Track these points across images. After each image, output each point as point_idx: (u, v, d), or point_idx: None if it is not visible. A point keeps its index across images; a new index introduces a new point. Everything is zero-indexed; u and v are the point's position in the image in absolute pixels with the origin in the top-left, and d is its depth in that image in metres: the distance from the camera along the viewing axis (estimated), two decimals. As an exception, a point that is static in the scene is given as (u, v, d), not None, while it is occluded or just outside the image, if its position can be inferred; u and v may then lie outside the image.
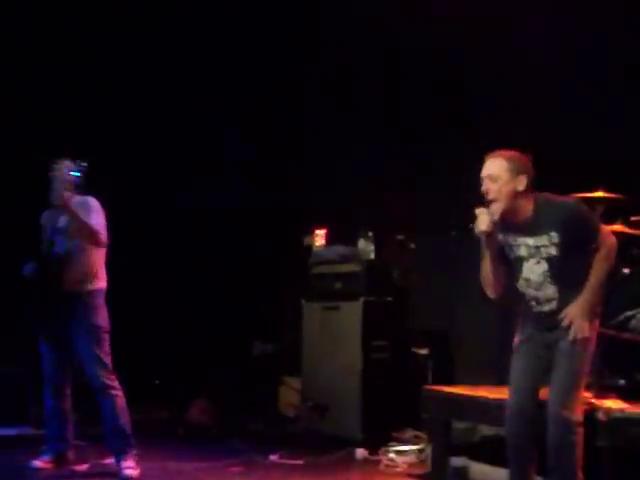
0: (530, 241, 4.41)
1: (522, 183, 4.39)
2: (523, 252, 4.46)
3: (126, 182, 8.35)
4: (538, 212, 4.40)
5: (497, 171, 4.40)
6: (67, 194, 5.40)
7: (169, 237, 9.09)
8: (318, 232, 8.33)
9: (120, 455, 5.57)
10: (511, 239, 4.50)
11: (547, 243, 4.37)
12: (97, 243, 5.57)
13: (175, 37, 8.79)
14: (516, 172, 4.38)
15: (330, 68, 8.64)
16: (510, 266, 4.56)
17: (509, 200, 4.39)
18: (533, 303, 4.52)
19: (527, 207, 4.42)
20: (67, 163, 5.59)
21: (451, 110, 7.49)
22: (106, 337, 5.64)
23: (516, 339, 4.65)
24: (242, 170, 9.18)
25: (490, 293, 4.59)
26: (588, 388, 5.25)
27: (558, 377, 4.39)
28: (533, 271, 4.45)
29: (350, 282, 7.44)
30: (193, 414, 8.08)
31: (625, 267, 5.52)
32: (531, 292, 4.50)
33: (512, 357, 4.64)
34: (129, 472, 5.50)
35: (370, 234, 7.60)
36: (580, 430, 4.33)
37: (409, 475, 6.04)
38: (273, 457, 6.51)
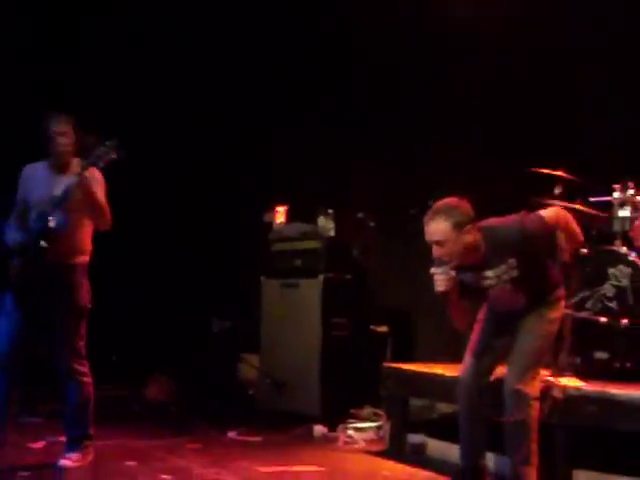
0: (490, 273, 4.40)
1: (469, 233, 4.30)
2: (486, 283, 4.46)
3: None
4: (490, 246, 4.35)
5: (442, 236, 4.27)
6: (90, 170, 4.89)
7: (128, 214, 8.99)
8: (278, 209, 8.32)
9: (72, 443, 5.16)
10: (471, 275, 4.47)
11: (506, 269, 4.37)
12: (105, 224, 5.11)
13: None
14: (460, 226, 4.27)
15: (290, 48, 8.59)
16: (476, 292, 4.55)
17: (461, 255, 4.31)
18: (500, 310, 4.61)
19: (479, 245, 4.35)
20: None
21: (414, 91, 7.48)
22: (84, 317, 5.16)
23: (480, 313, 4.71)
24: (203, 148, 9.11)
25: (457, 327, 4.56)
26: (546, 367, 5.32)
27: (519, 353, 4.47)
28: (498, 293, 4.48)
29: (310, 259, 7.43)
30: (150, 391, 8.06)
31: (583, 248, 5.56)
32: (500, 309, 4.59)
33: (475, 325, 4.70)
34: (67, 463, 5.05)
35: (330, 212, 7.59)
36: (536, 405, 4.40)
37: (367, 452, 6.06)
38: (231, 434, 6.51)
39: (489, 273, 4.39)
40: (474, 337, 4.68)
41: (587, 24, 6.30)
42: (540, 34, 6.57)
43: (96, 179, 5.01)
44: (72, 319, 5.09)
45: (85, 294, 5.17)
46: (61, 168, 5.10)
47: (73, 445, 5.15)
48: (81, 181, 4.86)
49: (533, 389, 4.42)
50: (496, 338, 4.61)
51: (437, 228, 4.27)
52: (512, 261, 4.34)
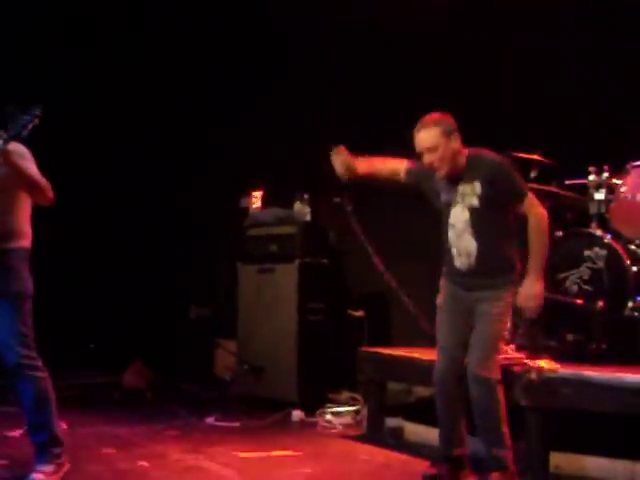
0: (460, 188, 4.52)
1: (457, 140, 4.50)
2: (452, 198, 4.56)
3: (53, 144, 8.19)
4: (468, 163, 4.52)
5: (433, 141, 4.46)
6: (13, 145, 4.34)
7: (105, 200, 8.96)
8: (254, 194, 8.30)
9: (39, 452, 4.59)
10: (442, 185, 4.60)
11: (470, 192, 4.48)
12: (47, 199, 4.53)
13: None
14: (449, 133, 4.48)
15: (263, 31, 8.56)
16: (439, 209, 4.66)
17: (451, 162, 4.48)
18: (454, 252, 4.61)
19: (461, 160, 4.53)
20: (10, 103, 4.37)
21: (389, 76, 7.47)
22: (27, 306, 4.59)
23: (439, 298, 4.72)
24: (178, 132, 9.07)
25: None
26: (521, 349, 5.35)
27: (477, 339, 4.50)
28: (457, 218, 4.55)
29: (286, 244, 7.42)
30: (129, 378, 8.04)
31: (559, 230, 5.60)
32: (453, 240, 4.60)
33: (437, 315, 4.72)
34: (38, 477, 4.49)
35: (306, 196, 7.58)
36: (500, 388, 4.43)
37: (345, 436, 6.08)
38: (209, 420, 6.51)
39: (459, 187, 4.51)
40: (439, 328, 4.70)
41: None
42: (512, 14, 6.58)
43: (21, 153, 4.50)
44: (12, 308, 4.51)
45: (24, 281, 4.60)
46: None
47: (41, 455, 4.59)
48: (5, 158, 4.33)
49: (495, 373, 4.45)
50: (459, 326, 4.62)
51: (428, 135, 4.46)
52: (477, 185, 4.45)
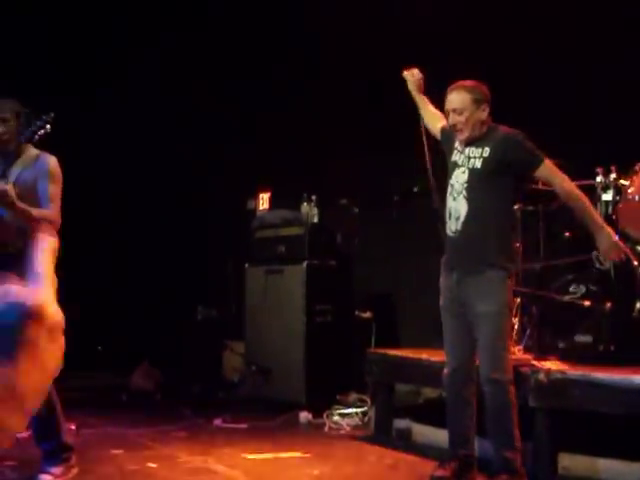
0: (467, 150, 4.58)
1: (485, 112, 4.56)
2: (458, 158, 4.61)
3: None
4: (487, 132, 4.58)
5: (462, 104, 4.54)
6: (52, 161, 4.46)
7: (113, 201, 8.98)
8: (262, 196, 8.31)
9: (48, 458, 4.63)
10: (457, 144, 4.66)
11: (477, 155, 4.53)
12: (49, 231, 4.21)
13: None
14: (479, 102, 4.54)
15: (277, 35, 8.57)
16: (448, 170, 4.70)
17: (474, 129, 4.55)
18: (447, 217, 4.61)
19: (483, 130, 4.59)
20: (14, 105, 4.50)
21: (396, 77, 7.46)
22: None
23: (441, 300, 4.71)
24: (185, 135, 9.08)
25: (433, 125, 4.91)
26: (529, 350, 5.35)
27: (484, 340, 4.46)
28: (458, 179, 4.58)
29: (293, 246, 7.42)
30: (136, 380, 8.05)
31: (566, 232, 5.59)
32: (450, 201, 4.60)
33: (442, 318, 4.70)
34: (46, 478, 4.54)
35: (314, 198, 7.58)
36: (512, 389, 4.41)
37: (353, 437, 6.08)
38: (217, 422, 6.51)
39: (467, 150, 4.57)
40: (444, 331, 4.68)
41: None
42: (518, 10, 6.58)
43: (47, 170, 4.54)
44: None
45: None
46: (7, 155, 4.58)
47: (50, 459, 4.63)
48: (4, 201, 4.32)
49: (507, 374, 4.44)
50: (462, 327, 4.59)
51: (458, 97, 4.55)
52: (487, 150, 4.50)
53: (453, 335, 4.63)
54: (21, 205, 4.41)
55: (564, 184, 4.49)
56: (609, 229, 4.48)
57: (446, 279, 4.65)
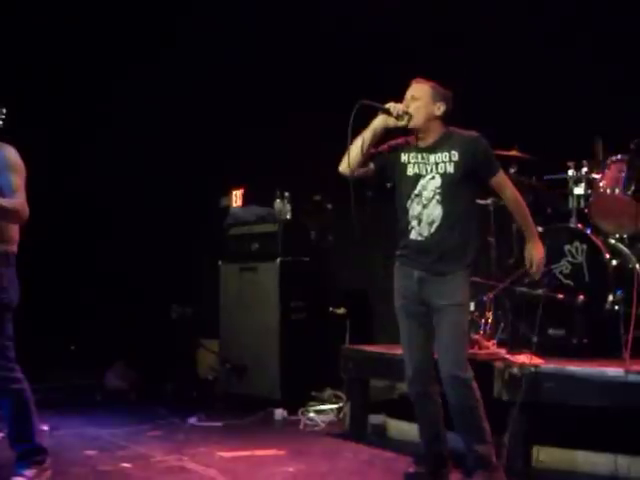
0: (431, 158, 4.55)
1: (440, 109, 4.57)
2: (421, 169, 4.57)
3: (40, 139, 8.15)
4: (445, 135, 4.59)
5: (421, 92, 4.58)
6: (8, 150, 4.32)
7: (84, 200, 8.92)
8: (235, 192, 8.27)
9: (21, 460, 4.52)
10: (413, 156, 4.61)
11: (446, 160, 4.52)
12: (17, 221, 4.41)
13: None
14: (437, 98, 4.58)
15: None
16: (402, 186, 4.63)
17: (424, 120, 4.55)
18: (414, 224, 4.55)
19: (437, 131, 4.59)
20: None
21: (375, 75, 7.46)
22: (9, 316, 4.41)
23: (396, 301, 4.68)
24: (160, 131, 9.03)
25: (347, 165, 4.66)
26: (503, 344, 5.37)
27: (444, 338, 4.44)
28: (426, 187, 4.54)
29: (267, 243, 7.41)
30: (111, 379, 8.01)
31: (539, 225, 5.60)
32: (417, 209, 4.55)
33: (398, 320, 4.67)
34: None
35: (287, 194, 7.57)
36: (475, 385, 4.40)
37: (328, 434, 6.09)
38: (192, 420, 6.50)
39: (431, 157, 4.55)
40: (401, 334, 4.66)
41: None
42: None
43: (6, 161, 4.38)
44: None
45: (9, 289, 4.41)
46: None
47: (24, 462, 4.52)
48: None
49: (468, 371, 4.41)
50: (419, 328, 4.57)
51: (419, 87, 4.62)
52: (455, 153, 4.50)
53: (411, 336, 4.58)
54: None
55: (515, 194, 4.59)
56: (541, 245, 4.61)
57: (404, 279, 4.62)
